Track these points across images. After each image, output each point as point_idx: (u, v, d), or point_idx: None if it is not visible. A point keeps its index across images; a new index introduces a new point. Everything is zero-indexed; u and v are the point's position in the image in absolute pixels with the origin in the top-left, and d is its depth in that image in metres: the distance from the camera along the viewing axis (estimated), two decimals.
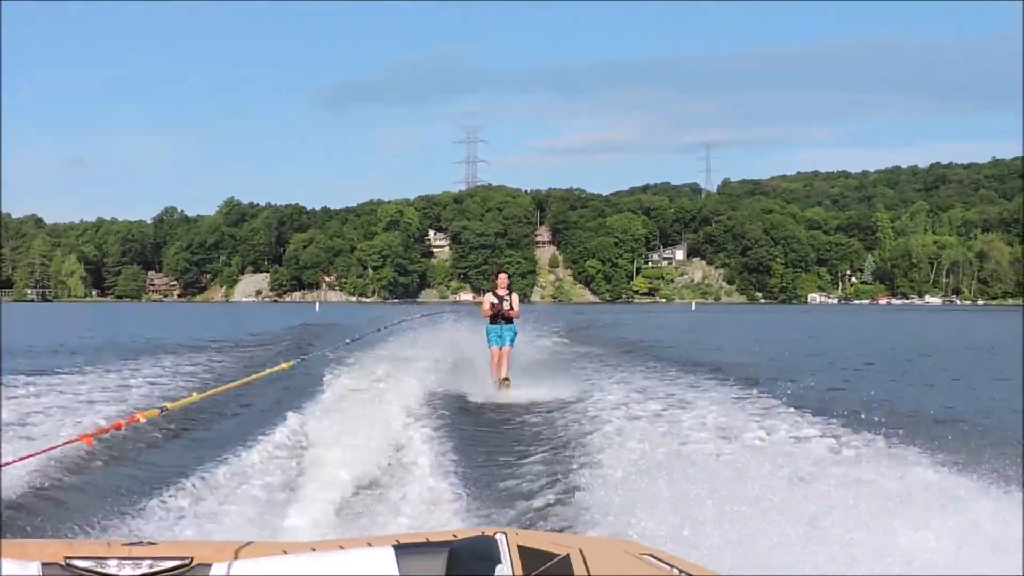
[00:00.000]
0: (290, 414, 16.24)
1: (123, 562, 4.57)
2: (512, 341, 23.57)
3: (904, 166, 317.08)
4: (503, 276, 23.99)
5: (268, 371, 7.62)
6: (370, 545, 4.86)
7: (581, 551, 4.35)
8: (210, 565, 4.62)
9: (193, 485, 11.76)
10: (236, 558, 4.70)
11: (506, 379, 22.90)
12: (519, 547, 4.57)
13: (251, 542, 5.05)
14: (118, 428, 4.62)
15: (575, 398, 20.20)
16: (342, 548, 4.86)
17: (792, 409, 17.27)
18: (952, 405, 21.13)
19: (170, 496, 11.27)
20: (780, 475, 10.65)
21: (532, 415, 19.26)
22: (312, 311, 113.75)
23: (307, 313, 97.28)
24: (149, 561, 4.58)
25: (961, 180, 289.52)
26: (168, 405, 4.84)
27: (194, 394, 5.08)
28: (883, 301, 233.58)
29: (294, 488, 11.84)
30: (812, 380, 23.95)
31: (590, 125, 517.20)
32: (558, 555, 4.37)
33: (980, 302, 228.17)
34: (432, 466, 13.05)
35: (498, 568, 4.37)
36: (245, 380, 7.59)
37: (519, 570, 4.33)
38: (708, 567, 4.65)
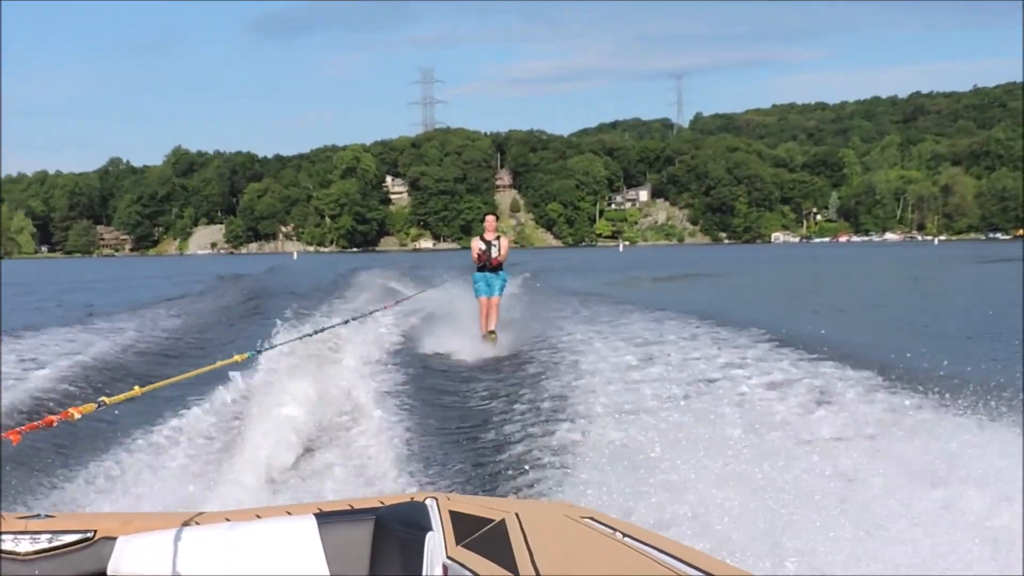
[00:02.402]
0: (234, 373, 16.30)
1: (19, 537, 4.82)
2: (501, 290, 24.51)
3: (884, 96, 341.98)
4: (491, 219, 25.01)
5: (220, 363, 7.83)
6: (290, 514, 5.12)
7: (517, 515, 4.56)
8: (114, 539, 4.90)
9: (111, 453, 12.29)
10: (143, 530, 4.94)
11: (492, 332, 23.83)
12: (451, 512, 4.82)
13: (160, 513, 5.46)
14: (49, 425, 4.66)
15: (560, 353, 20.67)
16: (259, 518, 5.11)
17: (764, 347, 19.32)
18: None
19: (80, 467, 11.72)
20: (735, 421, 11.93)
21: (511, 370, 19.89)
22: (290, 260, 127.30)
23: (260, 265, 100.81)
24: (48, 535, 4.84)
25: (940, 111, 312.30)
26: (107, 400, 4.97)
27: (136, 387, 5.35)
28: (843, 239, 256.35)
29: (227, 454, 12.44)
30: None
31: (553, 50, 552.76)
32: (492, 520, 4.59)
33: (942, 237, 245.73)
34: (376, 429, 13.71)
35: (428, 536, 4.64)
36: (192, 374, 7.53)
37: (451, 537, 4.55)
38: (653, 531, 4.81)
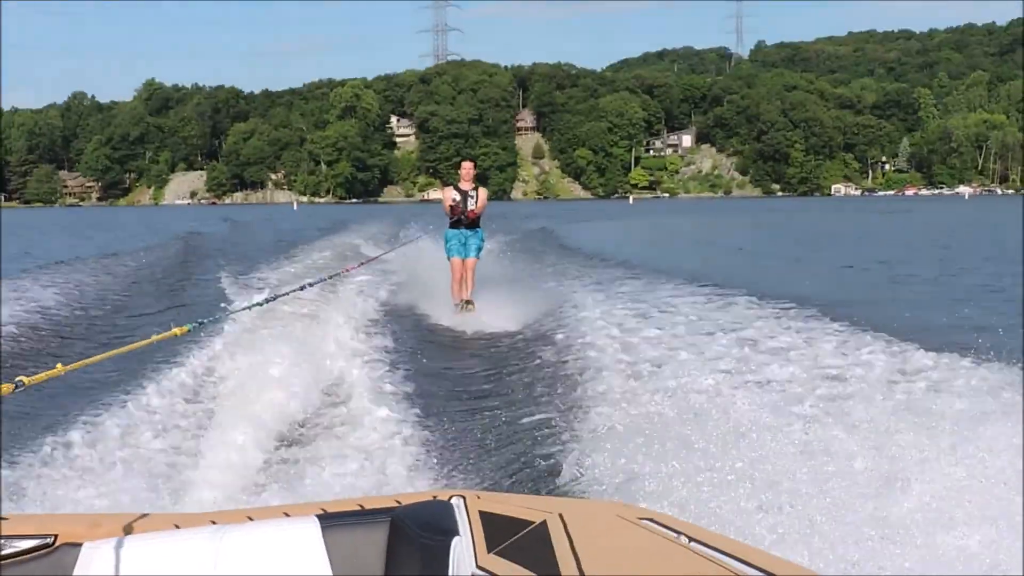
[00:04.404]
0: (192, 350, 16.66)
1: None
2: (478, 252, 24.62)
3: (979, 24, 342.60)
4: (468, 165, 25.07)
5: (155, 338, 7.46)
6: (288, 515, 5.10)
7: (561, 516, 4.47)
8: (79, 545, 4.84)
9: (62, 445, 11.96)
10: (113, 535, 4.86)
11: (468, 301, 24.03)
12: (481, 513, 4.76)
13: (132, 515, 5.19)
14: None
15: (548, 324, 21.55)
16: (251, 520, 5.08)
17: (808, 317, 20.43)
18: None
19: (29, 461, 11.38)
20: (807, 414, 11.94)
21: (496, 347, 20.51)
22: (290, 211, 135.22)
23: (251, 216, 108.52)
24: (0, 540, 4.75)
25: None
26: (25, 380, 4.86)
27: (59, 365, 5.16)
28: (910, 192, 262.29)
29: (197, 448, 12.37)
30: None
31: None
32: (531, 522, 4.50)
33: None
34: (371, 415, 13.72)
35: (454, 541, 4.53)
36: (123, 350, 7.22)
37: (481, 542, 4.48)
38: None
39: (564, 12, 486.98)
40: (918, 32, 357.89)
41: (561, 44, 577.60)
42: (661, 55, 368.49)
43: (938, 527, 8.16)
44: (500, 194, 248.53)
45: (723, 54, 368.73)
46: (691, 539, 4.30)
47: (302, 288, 16.25)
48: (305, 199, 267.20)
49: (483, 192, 24.94)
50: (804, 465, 9.61)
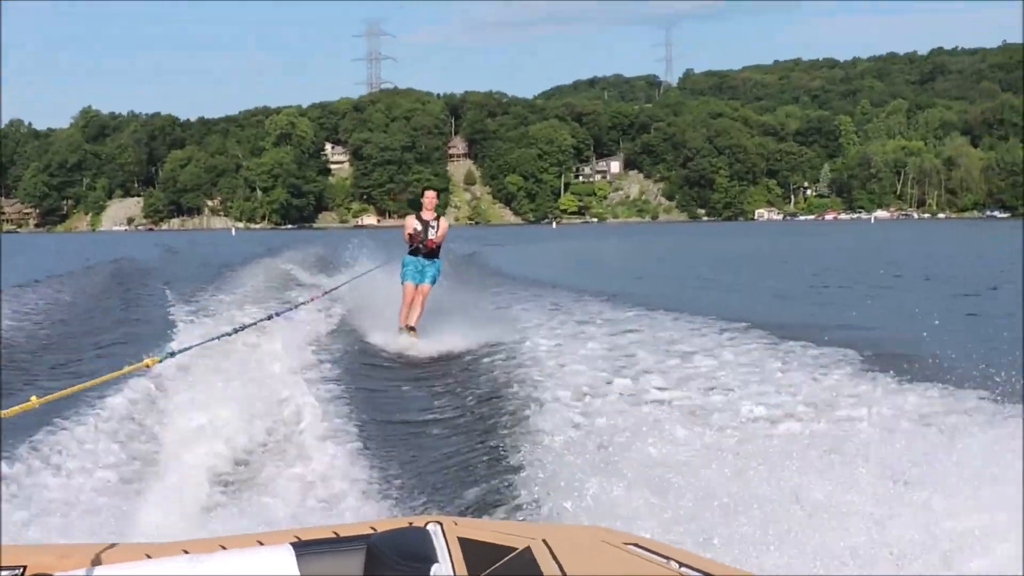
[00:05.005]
0: (136, 378, 15.96)
1: None
2: (433, 280, 24.72)
3: (901, 52, 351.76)
4: (430, 194, 25.54)
5: (127, 369, 7.49)
6: (262, 543, 5.07)
7: (545, 542, 4.50)
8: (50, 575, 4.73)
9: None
10: (83, 566, 4.78)
11: (412, 328, 24.02)
12: (460, 540, 4.76)
13: (103, 544, 5.20)
14: None
15: (496, 345, 21.85)
16: (224, 548, 5.02)
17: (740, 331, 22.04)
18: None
19: None
20: (770, 433, 12.69)
21: (443, 371, 20.70)
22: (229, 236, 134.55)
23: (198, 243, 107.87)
24: None
25: (962, 70, 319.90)
26: (3, 413, 4.89)
27: (32, 398, 5.10)
28: (830, 216, 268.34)
29: (143, 476, 12.26)
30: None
31: None
32: (515, 548, 4.53)
33: (942, 215, 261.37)
34: (328, 439, 13.81)
35: (433, 568, 4.51)
36: (95, 381, 7.23)
37: (462, 569, 4.50)
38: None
39: (497, 40, 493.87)
40: (842, 60, 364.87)
41: (494, 72, 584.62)
42: (592, 82, 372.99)
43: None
44: None
45: (652, 82, 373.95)
46: (681, 564, 4.35)
47: (269, 318, 16.60)
48: (241, 225, 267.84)
49: (444, 222, 25.22)
50: (772, 477, 9.94)
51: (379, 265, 29.21)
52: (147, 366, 8.17)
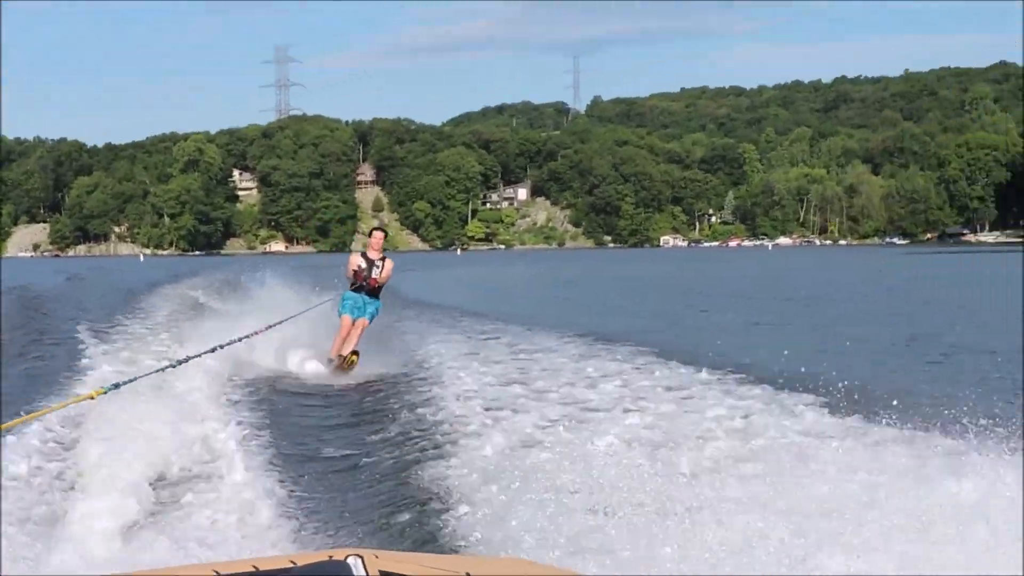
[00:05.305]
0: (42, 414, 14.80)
1: None
2: (372, 317, 24.78)
3: (806, 80, 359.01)
4: (378, 235, 25.71)
5: (71, 400, 7.49)
6: None
7: (469, 575, 4.52)
8: None
9: None
10: None
11: (345, 357, 24.18)
12: (382, 573, 4.69)
13: None
14: None
15: (417, 375, 22.08)
16: None
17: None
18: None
19: None
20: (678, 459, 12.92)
21: (372, 398, 20.92)
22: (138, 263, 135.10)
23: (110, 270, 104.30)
24: None
25: (864, 99, 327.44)
26: None
27: None
28: (733, 243, 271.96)
29: (56, 516, 11.96)
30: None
31: (436, 16, 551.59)
32: None
33: (843, 242, 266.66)
34: (249, 471, 13.65)
35: None
36: (42, 412, 7.62)
37: None
38: None
39: (406, 67, 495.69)
40: (748, 88, 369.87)
41: (403, 99, 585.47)
42: (500, 109, 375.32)
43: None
44: (340, 246, 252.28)
45: (561, 109, 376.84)
46: None
47: (213, 350, 16.52)
48: (149, 251, 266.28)
49: (389, 264, 25.23)
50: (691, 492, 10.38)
51: (325, 301, 28.19)
52: (92, 397, 7.91)
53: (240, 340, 20.15)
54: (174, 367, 13.88)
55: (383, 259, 25.08)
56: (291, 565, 4.89)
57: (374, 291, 24.87)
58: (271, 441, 16.02)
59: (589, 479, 11.33)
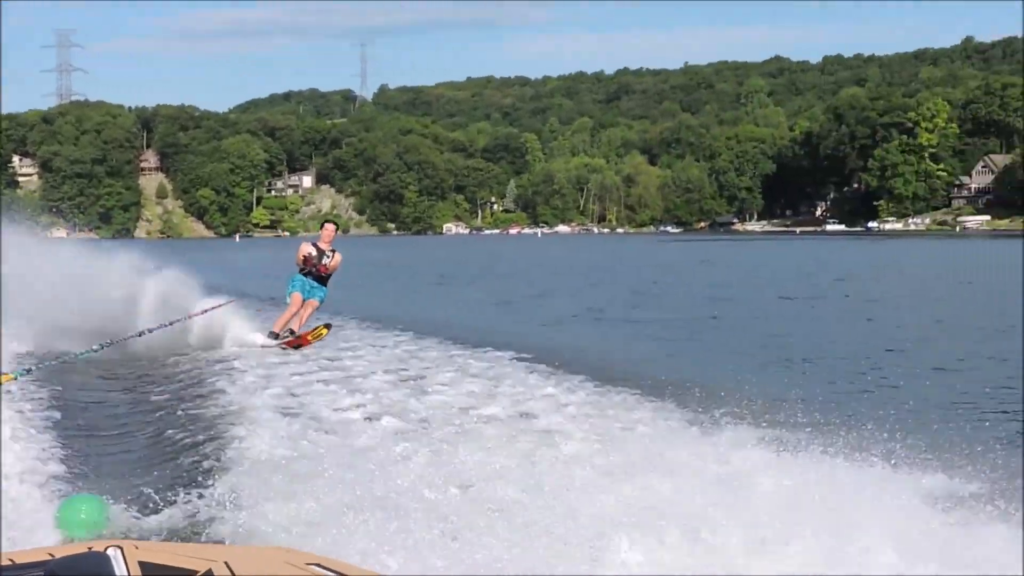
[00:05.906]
0: None
1: None
2: (321, 301, 25.22)
3: (589, 72, 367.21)
4: (330, 227, 26.05)
5: None
6: None
7: (227, 564, 4.55)
8: None
9: None
10: None
11: (292, 332, 24.53)
12: (141, 564, 4.63)
13: None
14: None
15: (199, 359, 22.39)
16: None
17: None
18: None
19: None
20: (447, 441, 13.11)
21: (149, 381, 20.69)
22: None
23: None
24: None
25: (646, 90, 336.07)
26: None
27: None
28: (514, 231, 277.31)
29: None
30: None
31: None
32: (194, 572, 4.51)
33: (620, 230, 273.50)
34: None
35: None
36: None
37: None
38: (379, 570, 5.12)
39: (193, 52, 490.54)
40: (533, 79, 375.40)
41: (190, 85, 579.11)
42: (287, 96, 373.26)
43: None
44: (124, 232, 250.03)
45: (348, 96, 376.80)
46: None
47: (140, 335, 16.57)
48: None
49: (339, 256, 25.32)
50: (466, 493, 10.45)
51: (231, 300, 27.39)
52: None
53: (170, 324, 20.42)
54: (95, 352, 13.91)
55: (333, 251, 25.35)
56: (50, 557, 4.86)
57: (321, 278, 25.19)
58: (31, 422, 15.54)
59: (364, 470, 11.27)
